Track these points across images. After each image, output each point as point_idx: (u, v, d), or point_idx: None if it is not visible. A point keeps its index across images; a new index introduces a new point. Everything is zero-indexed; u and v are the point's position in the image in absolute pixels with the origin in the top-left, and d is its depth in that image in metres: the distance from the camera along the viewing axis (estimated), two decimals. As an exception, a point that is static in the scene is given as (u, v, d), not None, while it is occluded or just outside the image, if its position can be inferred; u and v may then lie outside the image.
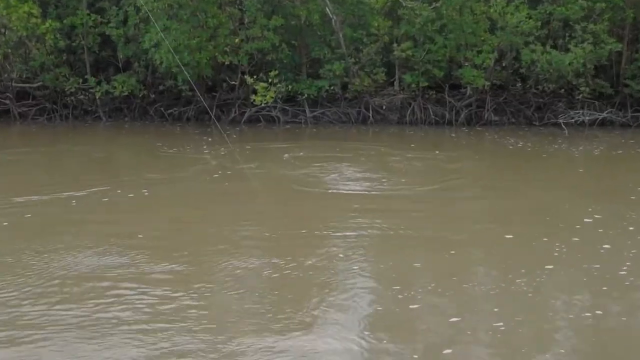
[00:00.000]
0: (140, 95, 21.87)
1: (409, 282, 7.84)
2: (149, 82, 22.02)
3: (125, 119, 22.11)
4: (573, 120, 21.34)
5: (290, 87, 21.15)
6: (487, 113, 21.74)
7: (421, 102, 21.65)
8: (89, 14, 21.38)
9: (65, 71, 21.61)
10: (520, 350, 6.22)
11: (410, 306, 7.16)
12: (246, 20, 21.37)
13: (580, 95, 21.20)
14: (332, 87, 21.48)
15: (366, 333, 6.50)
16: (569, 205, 11.59)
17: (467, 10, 20.99)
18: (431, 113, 21.60)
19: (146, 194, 12.05)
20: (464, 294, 7.54)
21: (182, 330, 6.50)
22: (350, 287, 7.69)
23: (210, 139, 18.70)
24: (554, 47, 21.12)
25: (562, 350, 6.29)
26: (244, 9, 21.33)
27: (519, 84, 22.44)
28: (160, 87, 22.12)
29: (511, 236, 9.56)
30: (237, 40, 20.92)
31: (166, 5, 20.15)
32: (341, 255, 8.68)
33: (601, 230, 9.83)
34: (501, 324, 6.73)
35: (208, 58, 20.57)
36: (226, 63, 21.07)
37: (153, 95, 22.29)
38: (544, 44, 20.85)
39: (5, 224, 10.07)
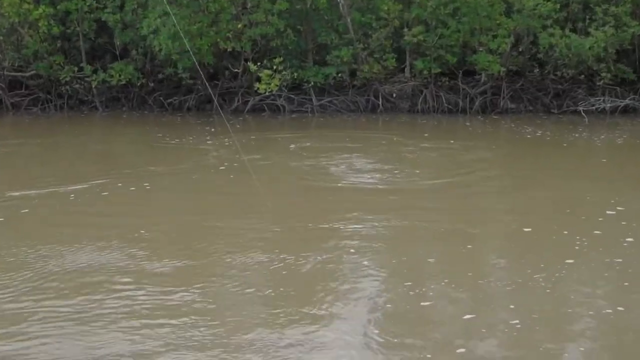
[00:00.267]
0: (139, 84, 21.95)
1: (422, 278, 7.92)
2: (147, 70, 22.10)
3: (123, 109, 22.22)
4: (594, 107, 21.32)
5: (295, 74, 21.20)
6: (503, 101, 21.76)
7: (433, 90, 21.68)
8: (84, -1, 21.47)
9: (59, 59, 21.69)
10: (537, 349, 6.27)
11: (422, 303, 7.23)
12: (249, 5, 21.41)
13: (601, 82, 21.17)
14: (339, 75, 21.53)
15: (376, 331, 6.58)
16: (590, 197, 11.64)
17: (481, -8, 20.99)
18: (444, 101, 21.64)
19: (148, 187, 12.16)
20: (479, 289, 7.62)
21: (186, 325, 6.60)
22: (360, 282, 7.78)
23: (213, 130, 18.79)
24: (574, 30, 21.10)
25: (582, 349, 6.35)
26: (247, -7, 21.40)
27: (536, 70, 22.42)
28: (160, 76, 22.21)
29: (530, 229, 9.63)
30: (239, 26, 20.98)
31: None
32: (352, 250, 8.77)
33: (624, 223, 9.87)
34: (517, 321, 6.79)
35: (209, 44, 20.64)
36: (228, 50, 21.14)
37: (152, 84, 22.38)
38: (562, 28, 20.83)
39: (1, 219, 10.19)
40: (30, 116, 21.31)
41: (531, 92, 22.14)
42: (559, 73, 21.71)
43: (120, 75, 21.39)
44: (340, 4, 21.43)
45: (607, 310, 7.08)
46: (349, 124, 20.11)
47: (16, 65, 22.23)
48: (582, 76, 21.80)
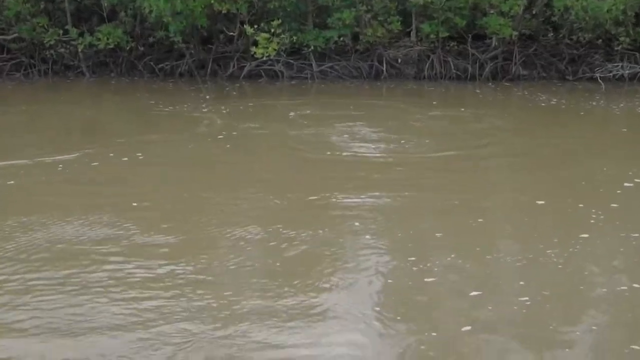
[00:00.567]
0: (128, 48, 21.91)
1: (428, 253, 8.03)
2: (137, 34, 22.04)
3: (111, 75, 22.22)
4: (611, 74, 21.33)
5: (294, 38, 21.16)
6: (515, 67, 21.75)
7: (441, 55, 21.66)
8: (69, -43, 21.37)
9: (43, 21, 21.60)
10: (547, 327, 6.34)
11: (426, 279, 7.31)
12: (245, -37, 21.32)
13: (620, 47, 21.15)
14: (341, 38, 21.48)
15: (377, 307, 6.66)
16: (607, 168, 11.70)
17: (493, -50, 20.89)
18: (452, 67, 21.63)
19: (141, 157, 12.22)
20: (487, 265, 7.71)
21: (180, 306, 6.66)
22: (363, 256, 7.88)
23: (207, 97, 18.83)
24: (591, -9, 21.04)
25: (595, 327, 6.43)
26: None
27: (550, 34, 22.34)
28: (150, 39, 22.10)
29: (543, 202, 9.70)
30: (235, -14, 20.90)
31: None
32: (356, 224, 8.86)
33: (642, 196, 9.95)
34: (527, 298, 6.85)
35: (203, 6, 20.53)
36: (223, 11, 21.02)
37: (142, 48, 22.33)
38: (579, -11, 20.77)
39: (-15, 191, 10.28)
40: (12, 82, 21.32)
41: (545, 57, 22.12)
42: (574, 37, 21.64)
43: (108, 39, 21.31)
44: (343, -37, 21.33)
45: (622, 287, 7.17)
46: (352, 91, 20.13)
47: (-3, 27, 22.18)
48: (599, 41, 21.72)
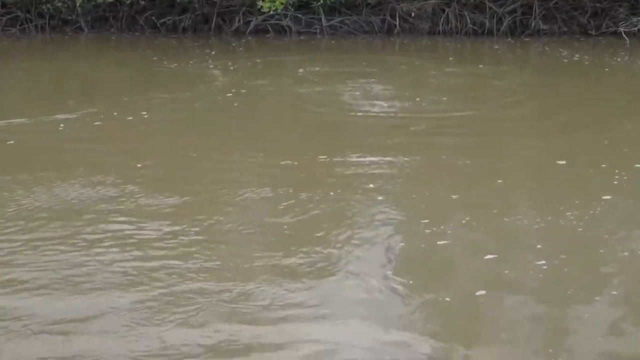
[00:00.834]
0: (128, 2, 21.77)
1: (443, 215, 8.07)
2: (138, -14, 21.98)
3: (111, 30, 22.14)
4: (636, 28, 21.13)
5: (303, -9, 21.08)
6: (535, 21, 21.57)
7: (456, 9, 21.50)
8: None
9: (39, -27, 21.58)
10: (565, 292, 6.39)
11: (439, 242, 7.38)
12: None
13: (646, -1, 21.00)
14: (352, -9, 21.39)
15: (388, 272, 6.73)
16: (632, 126, 11.71)
17: None
18: (468, 21, 21.46)
19: (146, 116, 12.28)
20: (504, 228, 7.77)
21: (185, 270, 6.74)
22: (376, 219, 7.96)
23: (213, 52, 18.82)
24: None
25: (614, 293, 6.48)
26: None
27: (573, -15, 22.20)
28: (152, -8, 22.06)
29: (564, 162, 9.73)
30: None
31: None
32: (370, 185, 8.91)
33: (670, 155, 9.97)
34: (544, 262, 6.89)
35: (207, -44, 20.47)
36: (228, -38, 20.98)
37: (143, 2, 22.15)
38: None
39: (-17, 151, 10.41)
40: (8, 38, 21.28)
41: (566, 10, 21.91)
42: (598, -11, 21.49)
43: (107, -8, 21.25)
44: None
45: (644, 252, 7.21)
46: (363, 47, 20.06)
47: (-9, -20, 22.11)
48: (625, -8, 21.57)
